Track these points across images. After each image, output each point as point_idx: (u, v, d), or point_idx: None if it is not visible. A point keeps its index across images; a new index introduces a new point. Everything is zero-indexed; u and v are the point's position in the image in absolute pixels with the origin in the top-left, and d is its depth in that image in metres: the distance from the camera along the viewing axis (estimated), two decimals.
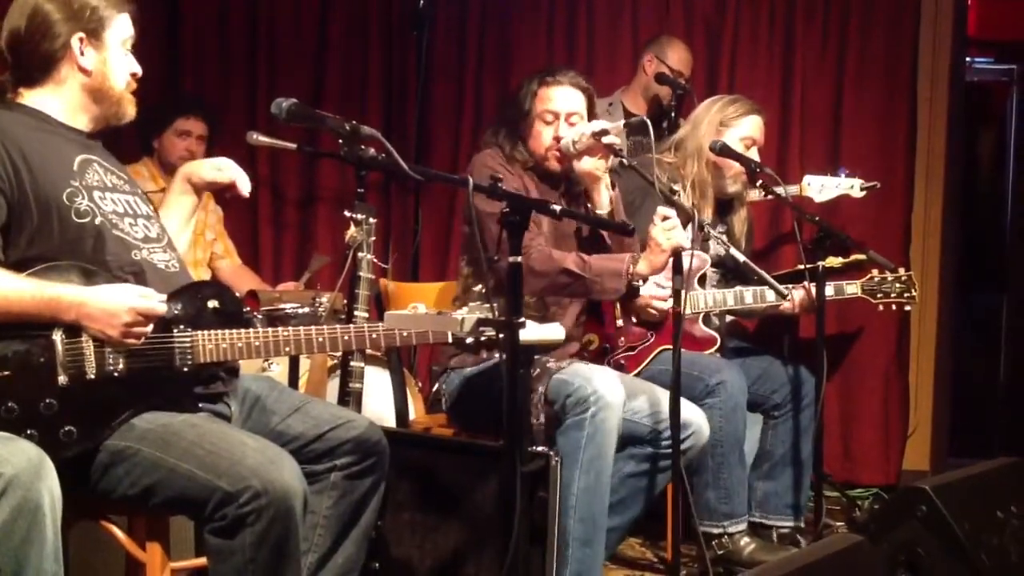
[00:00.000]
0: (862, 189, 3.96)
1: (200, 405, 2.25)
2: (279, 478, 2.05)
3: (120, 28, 2.32)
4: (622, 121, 3.04)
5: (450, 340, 2.29)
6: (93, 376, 2.12)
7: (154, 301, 2.15)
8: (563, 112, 3.08)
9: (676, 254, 2.86)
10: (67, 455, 2.05)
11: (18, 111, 2.28)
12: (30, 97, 2.31)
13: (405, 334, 2.35)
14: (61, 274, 2.14)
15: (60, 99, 2.31)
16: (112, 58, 2.31)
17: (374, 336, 2.35)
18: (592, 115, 3.15)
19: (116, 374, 2.14)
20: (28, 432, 2.05)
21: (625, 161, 2.97)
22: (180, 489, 2.09)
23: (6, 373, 2.06)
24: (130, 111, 2.37)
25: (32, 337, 2.09)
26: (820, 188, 3.94)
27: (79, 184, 2.24)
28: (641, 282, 3.04)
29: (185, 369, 2.20)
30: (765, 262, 3.09)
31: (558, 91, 3.09)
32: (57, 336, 2.10)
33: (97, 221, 2.23)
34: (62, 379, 2.09)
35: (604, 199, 3.07)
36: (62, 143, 2.28)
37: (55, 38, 2.26)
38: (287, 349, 2.32)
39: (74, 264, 2.16)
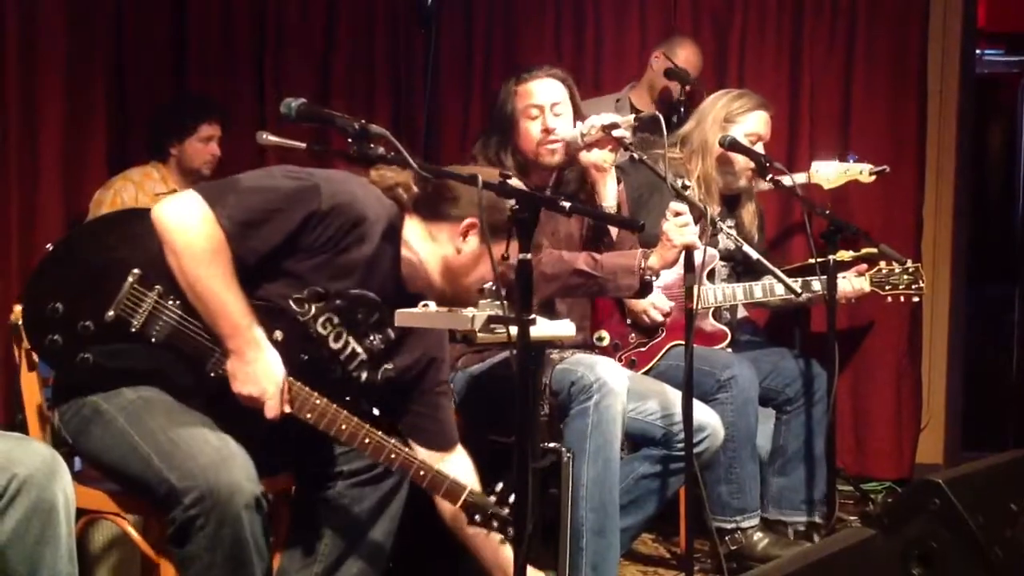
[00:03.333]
0: (871, 174, 3.90)
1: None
2: (226, 479, 2.01)
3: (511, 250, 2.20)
4: (632, 115, 3.01)
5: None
6: (135, 329, 2.14)
7: (276, 402, 2.17)
8: (546, 104, 3.01)
9: (688, 251, 2.84)
10: (71, 376, 2.11)
11: (393, 220, 2.36)
12: (410, 224, 2.39)
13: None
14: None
15: (423, 246, 2.38)
16: (483, 262, 2.32)
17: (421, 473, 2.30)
18: (575, 105, 3.07)
19: (153, 340, 2.15)
20: (54, 336, 2.09)
21: (636, 155, 2.95)
22: (136, 471, 2.09)
23: (75, 279, 2.11)
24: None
25: (117, 262, 2.13)
26: (829, 174, 3.91)
27: (335, 303, 2.28)
28: (654, 277, 3.02)
29: (212, 375, 2.20)
30: (776, 255, 3.08)
31: (536, 84, 3.03)
32: (132, 276, 2.13)
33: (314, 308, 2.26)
34: (110, 314, 2.12)
35: (611, 191, 3.03)
36: (373, 275, 2.33)
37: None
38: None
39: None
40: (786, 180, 3.45)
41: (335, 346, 2.31)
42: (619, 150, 2.99)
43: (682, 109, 4.22)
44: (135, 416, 2.11)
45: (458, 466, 2.47)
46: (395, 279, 2.36)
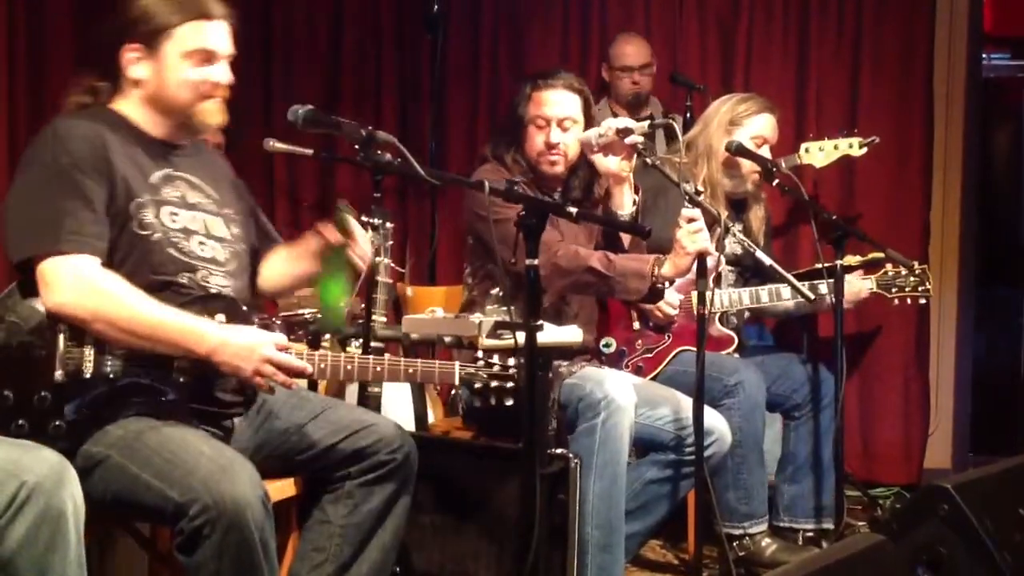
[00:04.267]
0: (861, 146, 3.87)
1: (196, 422, 2.24)
2: (229, 489, 2.01)
3: (183, 39, 2.26)
4: (647, 122, 3.00)
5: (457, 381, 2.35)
6: (89, 375, 2.13)
7: (291, 357, 2.19)
8: (555, 118, 3.04)
9: (701, 257, 2.84)
10: (55, 444, 2.05)
11: (107, 116, 2.29)
12: (117, 104, 2.32)
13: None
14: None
15: (134, 109, 2.32)
16: (169, 70, 2.27)
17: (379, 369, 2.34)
18: (588, 116, 3.11)
19: (112, 376, 2.15)
20: (18, 423, 2.08)
21: (649, 160, 2.94)
22: (140, 498, 2.09)
23: (6, 363, 2.09)
24: (211, 120, 2.33)
25: (37, 331, 2.12)
26: (819, 152, 3.88)
27: (151, 197, 2.26)
28: (667, 284, 3.02)
29: (181, 380, 2.20)
30: (782, 259, 3.07)
31: (551, 95, 3.05)
32: (60, 333, 2.12)
33: (155, 237, 2.24)
34: (59, 375, 2.11)
35: (627, 200, 3.04)
36: (145, 155, 2.29)
37: (113, 47, 2.27)
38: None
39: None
40: (781, 165, 3.42)
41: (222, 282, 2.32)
42: (633, 157, 2.99)
43: (688, 115, 4.23)
44: (127, 449, 2.11)
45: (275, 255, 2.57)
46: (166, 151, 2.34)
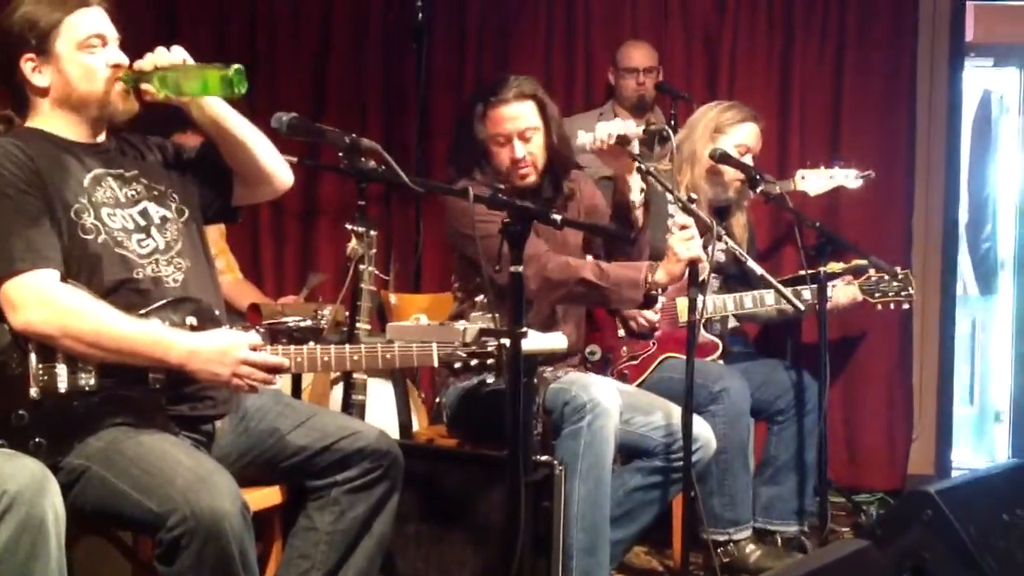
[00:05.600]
0: (857, 178, 3.91)
1: (177, 429, 2.23)
2: (207, 499, 2.01)
3: (72, 30, 2.25)
4: (643, 128, 3.00)
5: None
6: (64, 390, 2.13)
7: (266, 355, 2.20)
8: (514, 131, 3.00)
9: (693, 264, 2.84)
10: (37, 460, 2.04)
11: (28, 134, 2.28)
12: (31, 122, 2.31)
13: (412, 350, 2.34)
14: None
15: (49, 119, 2.30)
16: (68, 65, 2.25)
17: (355, 358, 2.33)
18: (547, 117, 3.05)
19: (88, 388, 2.14)
20: None
21: (643, 167, 2.93)
22: (120, 509, 2.09)
23: None
24: (127, 105, 2.31)
25: (8, 350, 2.11)
26: (815, 181, 3.91)
27: (86, 201, 2.25)
28: (660, 291, 3.02)
29: (157, 387, 2.20)
30: (766, 267, 3.08)
31: (504, 111, 3.00)
32: (32, 351, 2.11)
33: (100, 239, 2.24)
34: (34, 392, 2.11)
35: (636, 185, 2.99)
36: (71, 160, 2.28)
37: (9, 65, 2.26)
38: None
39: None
40: (773, 187, 3.46)
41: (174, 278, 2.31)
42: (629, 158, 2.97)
43: (672, 122, 4.25)
44: (106, 460, 2.11)
45: None
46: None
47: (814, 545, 3.51)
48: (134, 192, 2.36)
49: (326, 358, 2.28)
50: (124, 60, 2.30)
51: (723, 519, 3.40)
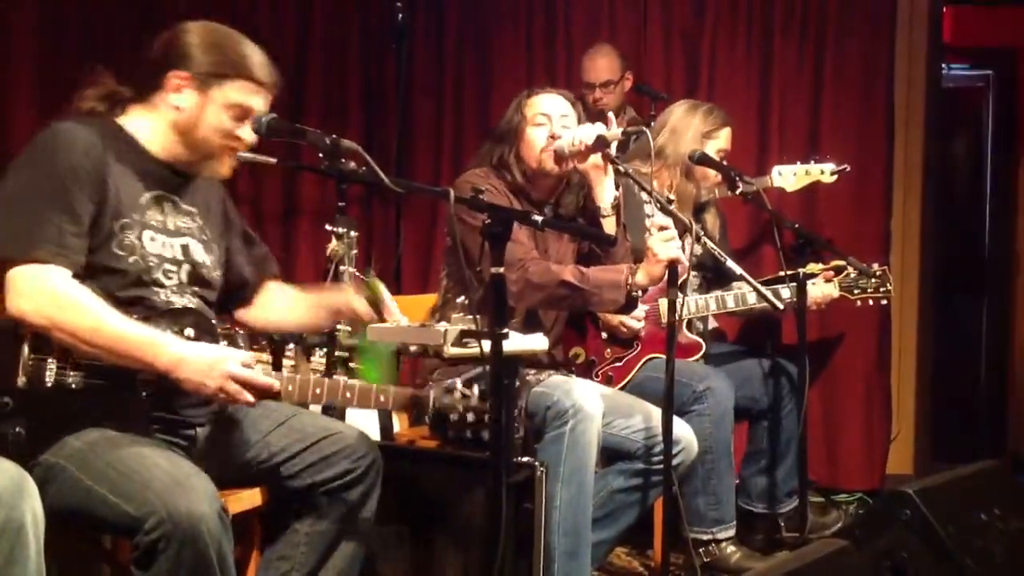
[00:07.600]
0: (832, 173, 3.90)
1: (157, 434, 2.22)
2: (185, 503, 1.99)
3: (236, 93, 2.29)
4: (621, 130, 3.01)
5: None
6: (51, 384, 2.11)
7: (257, 374, 2.15)
8: (555, 114, 3.06)
9: (672, 265, 2.85)
10: (13, 454, 2.04)
11: (111, 129, 2.27)
12: (128, 116, 2.31)
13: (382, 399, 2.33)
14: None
15: (150, 127, 2.30)
16: (210, 110, 2.28)
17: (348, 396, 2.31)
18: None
19: (73, 386, 2.13)
20: None
21: (622, 168, 2.95)
22: (97, 511, 2.07)
23: None
24: (222, 170, 2.35)
25: (4, 333, 2.10)
26: (791, 177, 3.91)
27: (137, 218, 2.24)
28: (640, 293, 3.02)
29: (144, 394, 2.18)
30: (745, 267, 3.09)
31: (547, 98, 3.10)
32: (26, 341, 2.10)
33: (132, 259, 2.22)
34: (21, 380, 2.09)
35: (607, 194, 3.03)
36: (138, 174, 2.27)
37: (163, 66, 2.28)
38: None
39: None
40: (752, 185, 3.47)
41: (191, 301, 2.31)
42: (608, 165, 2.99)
43: (652, 124, 4.24)
44: (83, 461, 2.09)
45: (282, 293, 2.61)
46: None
47: (794, 540, 3.52)
48: (184, 224, 2.35)
49: (318, 390, 2.24)
50: (252, 141, 2.33)
51: (708, 519, 3.41)
